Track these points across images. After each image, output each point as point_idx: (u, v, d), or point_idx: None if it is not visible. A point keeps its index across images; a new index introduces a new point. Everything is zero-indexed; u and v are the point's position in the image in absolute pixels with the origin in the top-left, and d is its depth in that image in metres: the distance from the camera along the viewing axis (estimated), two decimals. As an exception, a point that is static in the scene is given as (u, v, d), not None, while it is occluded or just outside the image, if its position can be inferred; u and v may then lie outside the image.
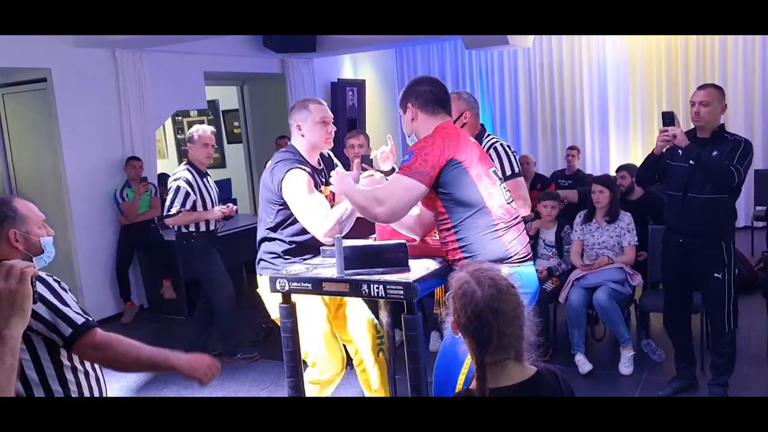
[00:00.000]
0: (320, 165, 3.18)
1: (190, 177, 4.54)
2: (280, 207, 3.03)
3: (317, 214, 2.88)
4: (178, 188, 4.48)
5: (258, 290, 3.19)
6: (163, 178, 7.44)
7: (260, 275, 3.15)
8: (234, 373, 4.64)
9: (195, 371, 2.04)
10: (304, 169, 2.95)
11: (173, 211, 4.47)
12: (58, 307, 1.97)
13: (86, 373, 2.09)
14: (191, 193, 4.50)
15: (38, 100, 6.10)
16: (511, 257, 2.56)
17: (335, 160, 3.33)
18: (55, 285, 2.03)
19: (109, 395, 2.20)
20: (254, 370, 4.65)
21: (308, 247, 3.05)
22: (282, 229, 3.07)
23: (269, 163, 3.10)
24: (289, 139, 3.20)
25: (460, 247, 2.58)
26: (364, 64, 9.44)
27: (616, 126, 8.92)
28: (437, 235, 3.08)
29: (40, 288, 1.97)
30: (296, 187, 2.92)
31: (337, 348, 3.14)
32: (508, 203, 2.65)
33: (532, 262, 2.68)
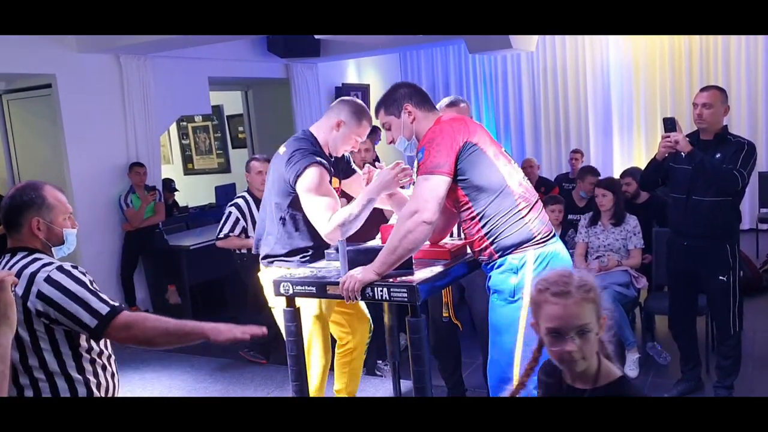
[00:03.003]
0: (331, 156, 3.14)
1: (242, 203, 4.65)
2: (295, 198, 2.98)
3: (326, 214, 2.85)
4: (229, 213, 4.65)
5: (258, 274, 3.19)
6: (168, 182, 7.49)
7: (267, 267, 3.11)
8: (238, 377, 4.66)
9: (221, 333, 2.05)
10: (323, 164, 2.90)
11: (221, 235, 4.64)
12: (82, 299, 1.97)
13: (103, 367, 2.11)
14: (240, 219, 4.62)
15: (43, 106, 6.13)
16: (535, 237, 2.53)
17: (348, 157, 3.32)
18: (79, 274, 2.02)
19: (119, 393, 2.21)
20: (259, 375, 4.66)
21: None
22: (297, 222, 3.02)
23: (282, 148, 3.04)
24: None
25: (486, 234, 2.54)
26: (368, 68, 9.46)
27: (619, 129, 8.90)
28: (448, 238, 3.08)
29: (64, 280, 1.97)
30: (312, 184, 2.86)
31: (326, 334, 3.12)
32: (526, 182, 2.63)
33: (556, 239, 2.63)
